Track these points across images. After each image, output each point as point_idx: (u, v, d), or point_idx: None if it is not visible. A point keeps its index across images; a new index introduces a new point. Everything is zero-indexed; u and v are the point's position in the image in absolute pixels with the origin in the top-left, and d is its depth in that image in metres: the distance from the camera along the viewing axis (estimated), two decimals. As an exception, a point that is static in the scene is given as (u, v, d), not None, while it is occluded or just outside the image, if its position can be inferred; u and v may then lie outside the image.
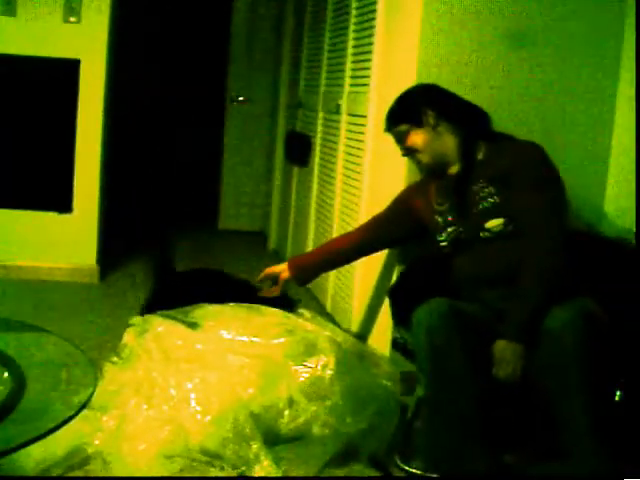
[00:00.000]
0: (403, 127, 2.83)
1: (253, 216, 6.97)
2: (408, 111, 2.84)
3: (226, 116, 6.97)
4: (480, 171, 2.71)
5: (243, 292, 3.26)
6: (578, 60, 3.34)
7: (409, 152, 2.86)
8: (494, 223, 2.63)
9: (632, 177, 3.24)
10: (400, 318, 2.76)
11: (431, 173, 2.89)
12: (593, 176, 3.42)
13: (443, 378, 2.44)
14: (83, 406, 1.92)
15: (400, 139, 2.86)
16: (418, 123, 2.79)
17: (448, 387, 2.43)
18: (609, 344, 2.42)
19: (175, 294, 3.31)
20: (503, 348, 2.43)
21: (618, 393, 2.56)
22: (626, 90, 3.35)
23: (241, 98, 6.87)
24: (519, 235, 2.59)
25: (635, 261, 2.91)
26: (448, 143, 2.79)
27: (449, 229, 2.75)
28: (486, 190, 2.66)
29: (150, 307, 3.23)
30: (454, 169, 2.81)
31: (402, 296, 2.84)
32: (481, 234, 2.65)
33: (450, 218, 2.76)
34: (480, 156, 2.76)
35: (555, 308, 2.39)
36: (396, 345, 2.82)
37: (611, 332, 2.46)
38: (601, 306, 2.48)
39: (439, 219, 2.80)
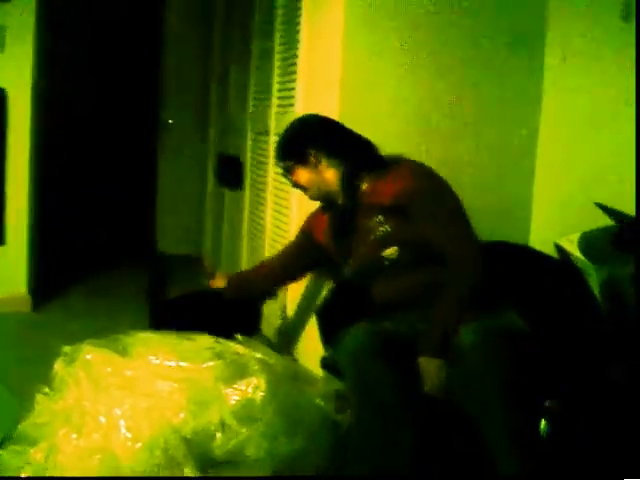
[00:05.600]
0: (288, 163, 2.88)
1: (190, 240, 6.93)
2: (291, 149, 2.87)
3: (159, 141, 6.95)
4: (367, 201, 2.73)
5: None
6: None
7: (296, 186, 2.92)
8: (389, 252, 2.64)
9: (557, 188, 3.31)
10: (327, 338, 2.77)
11: (323, 204, 2.95)
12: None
13: (370, 400, 2.46)
14: (2, 442, 1.90)
15: (287, 173, 2.92)
16: (301, 161, 2.83)
17: (376, 408, 2.45)
18: (531, 356, 2.46)
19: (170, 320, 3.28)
20: (425, 364, 2.46)
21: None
22: (550, 89, 3.44)
23: (170, 121, 6.85)
24: (426, 259, 2.61)
25: (560, 272, 2.96)
26: (330, 179, 2.81)
27: (350, 261, 2.77)
28: (375, 219, 2.67)
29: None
30: (340, 201, 2.83)
31: (328, 317, 2.86)
32: (384, 262, 2.66)
33: (347, 251, 2.79)
34: (365, 187, 2.77)
35: (464, 328, 2.42)
36: (325, 364, 2.82)
37: (535, 344, 2.51)
38: (527, 317, 2.53)
39: (338, 253, 2.84)
